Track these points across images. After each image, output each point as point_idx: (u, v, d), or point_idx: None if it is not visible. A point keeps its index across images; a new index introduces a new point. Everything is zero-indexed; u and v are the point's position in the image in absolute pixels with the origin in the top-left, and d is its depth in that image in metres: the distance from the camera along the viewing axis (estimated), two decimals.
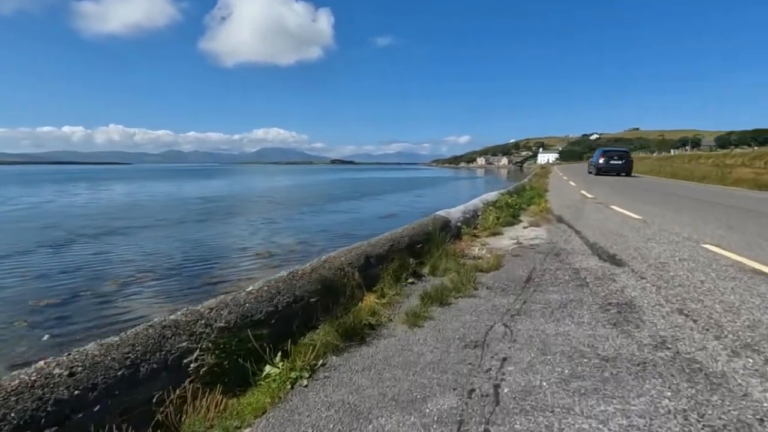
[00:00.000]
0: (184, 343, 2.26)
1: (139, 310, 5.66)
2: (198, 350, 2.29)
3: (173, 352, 2.18)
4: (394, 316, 3.33)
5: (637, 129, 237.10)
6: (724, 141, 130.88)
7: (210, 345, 2.36)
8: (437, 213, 6.47)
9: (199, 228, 13.31)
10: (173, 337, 2.24)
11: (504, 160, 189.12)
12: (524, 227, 7.50)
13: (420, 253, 4.91)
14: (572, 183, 17.54)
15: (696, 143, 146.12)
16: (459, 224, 6.58)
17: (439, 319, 3.18)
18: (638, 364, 2.25)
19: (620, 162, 23.20)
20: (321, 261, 3.67)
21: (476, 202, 8.44)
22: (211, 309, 2.55)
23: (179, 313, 2.45)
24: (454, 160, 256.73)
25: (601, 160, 23.65)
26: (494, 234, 6.94)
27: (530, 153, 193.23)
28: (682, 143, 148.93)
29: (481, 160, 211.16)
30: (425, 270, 4.64)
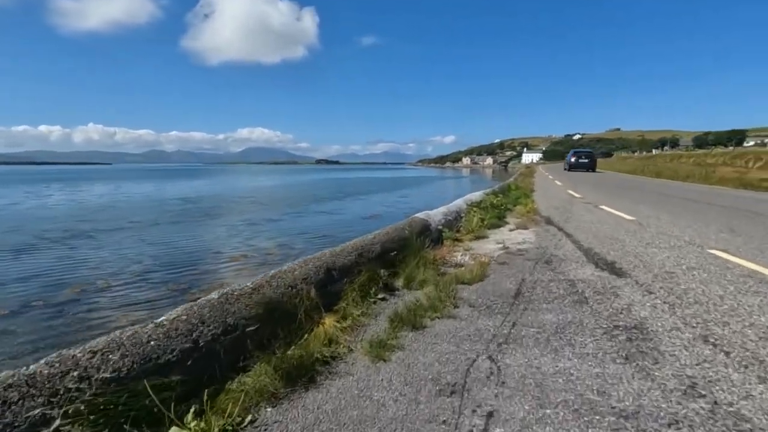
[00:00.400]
0: (38, 410, 1.58)
1: (93, 321, 5.01)
2: (60, 418, 1.62)
3: (13, 427, 1.50)
4: (355, 345, 2.71)
5: (618, 129, 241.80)
6: (702, 141, 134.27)
7: (83, 408, 1.69)
8: (416, 215, 5.87)
9: (174, 230, 12.54)
10: (20, 403, 1.56)
11: (489, 160, 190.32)
12: (511, 230, 6.95)
13: (394, 261, 4.29)
14: (558, 182, 17.18)
15: (674, 143, 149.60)
16: (440, 227, 5.99)
17: (410, 350, 2.56)
18: (669, 425, 1.66)
19: (587, 160, 29.83)
20: (268, 277, 3.01)
21: (459, 202, 7.87)
22: (95, 353, 1.87)
23: (42, 361, 1.77)
24: (440, 160, 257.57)
25: (572, 159, 30.52)
26: (479, 238, 6.37)
27: (515, 153, 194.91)
28: (662, 143, 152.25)
29: (466, 160, 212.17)
30: (399, 282, 4.02)
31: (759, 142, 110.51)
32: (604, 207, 8.52)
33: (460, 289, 3.71)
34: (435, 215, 6.10)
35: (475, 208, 7.68)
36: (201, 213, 17.43)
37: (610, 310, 2.95)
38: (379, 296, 3.62)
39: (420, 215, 5.88)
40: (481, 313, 3.10)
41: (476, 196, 9.26)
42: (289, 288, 2.97)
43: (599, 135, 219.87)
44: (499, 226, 7.26)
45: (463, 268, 4.51)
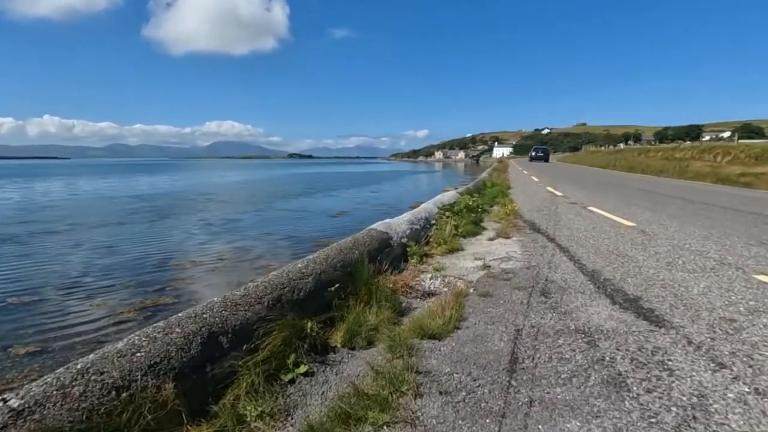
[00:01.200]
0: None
1: None
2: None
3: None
4: None
5: (585, 124, 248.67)
6: (662, 135, 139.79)
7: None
8: (374, 227, 4.56)
9: (118, 233, 10.95)
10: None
11: (461, 154, 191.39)
12: (491, 239, 5.78)
13: (332, 302, 2.97)
14: (535, 178, 16.40)
15: (637, 138, 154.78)
16: (404, 240, 4.72)
17: None
18: None
19: (542, 154, 48.35)
20: (75, 371, 1.63)
21: (429, 206, 6.62)
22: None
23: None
24: (413, 154, 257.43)
25: (533, 153, 49.02)
26: (453, 251, 5.16)
27: (486, 147, 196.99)
28: (625, 138, 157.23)
29: (438, 154, 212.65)
30: (336, 338, 2.71)
31: (714, 136, 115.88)
32: (593, 209, 7.50)
33: (426, 350, 2.45)
34: (398, 225, 4.82)
35: (447, 213, 6.46)
36: (153, 213, 15.61)
37: (674, 410, 1.75)
38: (301, 370, 2.29)
39: (379, 226, 4.58)
40: (459, 414, 1.83)
41: (448, 196, 8.06)
42: (114, 390, 1.61)
43: (567, 129, 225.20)
44: (476, 234, 6.08)
45: (432, 303, 3.27)
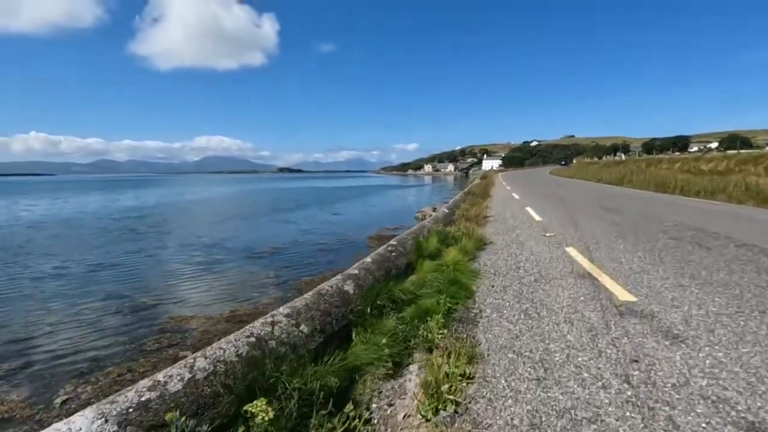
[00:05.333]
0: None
1: None
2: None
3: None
4: None
5: (573, 136, 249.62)
6: (650, 146, 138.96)
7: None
8: None
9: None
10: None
11: (450, 167, 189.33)
12: None
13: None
14: (532, 212, 10.45)
15: (626, 149, 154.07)
16: None
17: None
18: None
19: (564, 163, 50.50)
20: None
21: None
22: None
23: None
24: (402, 168, 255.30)
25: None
26: None
27: (475, 159, 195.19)
28: (614, 149, 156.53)
29: (428, 167, 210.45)
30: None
31: (702, 147, 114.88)
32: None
33: None
34: None
35: None
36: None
37: None
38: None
39: None
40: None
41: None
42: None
43: (555, 141, 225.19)
44: None
45: None
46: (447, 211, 10.04)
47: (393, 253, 4.48)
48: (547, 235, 7.13)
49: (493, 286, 4.32)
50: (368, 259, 3.93)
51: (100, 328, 5.75)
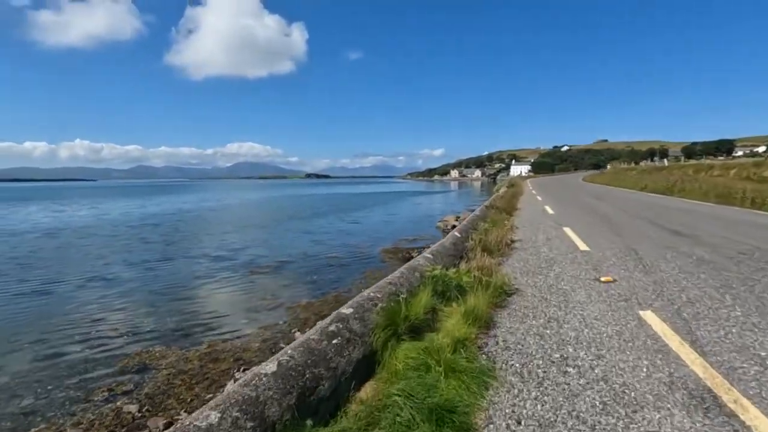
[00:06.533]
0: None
1: None
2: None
3: None
4: None
5: (606, 140, 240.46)
6: (690, 151, 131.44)
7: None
8: None
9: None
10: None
11: (477, 173, 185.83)
12: None
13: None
14: (572, 234, 8.32)
15: (663, 154, 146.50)
16: None
17: None
18: None
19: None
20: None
21: None
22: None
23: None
24: (428, 174, 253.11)
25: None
26: None
27: (503, 165, 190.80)
28: (651, 154, 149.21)
29: (454, 173, 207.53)
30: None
31: (748, 151, 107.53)
32: None
33: None
34: None
35: None
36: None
37: None
38: None
39: None
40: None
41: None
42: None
43: (587, 146, 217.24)
44: None
45: None
46: (458, 235, 7.58)
47: (335, 340, 2.50)
48: (602, 280, 4.95)
49: (518, 421, 2.24)
50: (268, 370, 2.09)
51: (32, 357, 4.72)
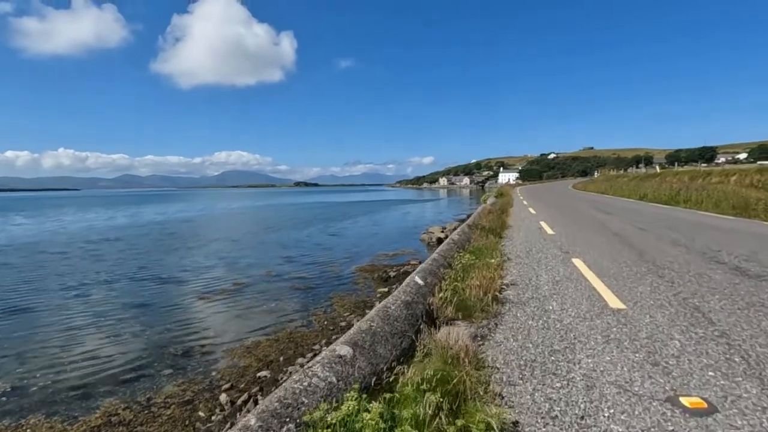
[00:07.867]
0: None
1: None
2: None
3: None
4: None
5: (592, 148, 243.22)
6: (674, 158, 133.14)
7: None
8: None
9: None
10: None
11: (466, 180, 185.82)
12: None
13: None
14: (590, 274, 5.57)
15: (648, 161, 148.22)
16: None
17: None
18: None
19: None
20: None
21: None
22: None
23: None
24: (417, 181, 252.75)
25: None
26: None
27: (491, 172, 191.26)
28: (637, 161, 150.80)
29: (443, 181, 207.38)
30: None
31: (730, 158, 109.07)
32: None
33: None
34: None
35: None
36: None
37: None
38: None
39: None
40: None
41: None
42: None
43: (574, 154, 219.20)
44: None
45: None
46: (420, 282, 4.53)
47: None
48: (688, 404, 2.37)
49: None
50: None
51: None
